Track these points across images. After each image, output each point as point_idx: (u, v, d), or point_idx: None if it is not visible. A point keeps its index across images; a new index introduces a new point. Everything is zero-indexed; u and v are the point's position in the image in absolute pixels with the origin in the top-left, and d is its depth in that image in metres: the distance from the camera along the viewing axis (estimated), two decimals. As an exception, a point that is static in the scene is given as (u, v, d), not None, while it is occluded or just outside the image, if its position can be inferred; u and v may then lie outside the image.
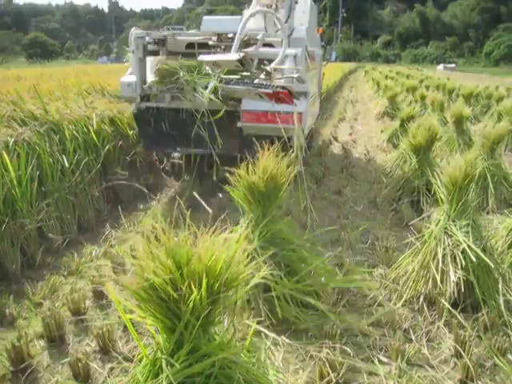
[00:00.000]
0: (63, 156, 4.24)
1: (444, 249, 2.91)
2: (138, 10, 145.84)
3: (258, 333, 2.43)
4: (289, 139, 3.68)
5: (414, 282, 3.02)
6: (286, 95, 3.87)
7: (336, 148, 7.89)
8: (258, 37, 4.46)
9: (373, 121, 11.33)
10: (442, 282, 2.85)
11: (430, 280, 2.91)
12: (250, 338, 1.92)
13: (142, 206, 4.88)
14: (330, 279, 3.05)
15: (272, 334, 2.45)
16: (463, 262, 2.76)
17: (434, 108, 9.52)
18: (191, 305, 1.50)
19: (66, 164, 4.20)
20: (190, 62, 4.43)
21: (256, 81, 4.03)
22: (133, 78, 4.63)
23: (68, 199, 4.16)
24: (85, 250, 3.77)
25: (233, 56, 4.06)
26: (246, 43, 4.49)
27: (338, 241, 3.92)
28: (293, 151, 3.27)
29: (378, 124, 10.70)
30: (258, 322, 2.39)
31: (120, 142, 5.21)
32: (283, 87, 3.88)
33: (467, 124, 7.15)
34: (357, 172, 6.10)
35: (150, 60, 4.85)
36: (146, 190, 4.78)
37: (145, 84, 4.65)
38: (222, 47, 4.62)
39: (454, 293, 2.77)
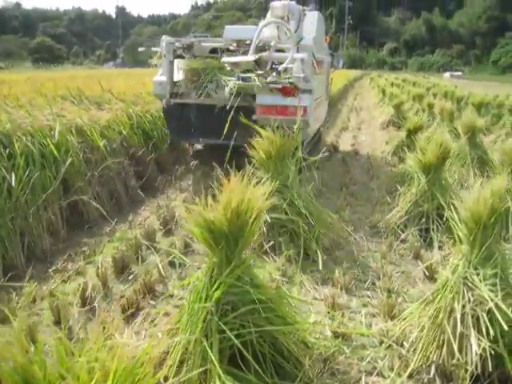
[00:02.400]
0: (12, 173, 3.63)
1: (463, 306, 2.24)
2: (145, 15, 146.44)
3: None
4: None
5: (423, 345, 2.36)
6: (292, 90, 4.85)
7: (336, 161, 7.24)
8: (272, 43, 5.14)
9: (377, 130, 10.68)
10: (460, 349, 2.18)
11: (445, 345, 2.25)
12: None
13: (109, 229, 4.23)
14: (316, 342, 2.39)
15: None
16: (489, 328, 2.09)
17: (443, 117, 8.86)
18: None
19: (13, 182, 3.57)
20: (214, 62, 5.14)
21: (269, 78, 4.84)
22: (163, 78, 5.33)
23: (14, 225, 3.52)
24: (26, 290, 3.13)
25: (250, 57, 4.88)
26: (261, 49, 5.13)
27: (331, 280, 3.26)
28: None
29: (382, 134, 10.04)
30: None
31: (88, 155, 4.60)
32: (291, 83, 4.82)
33: (480, 136, 6.49)
34: (358, 190, 5.44)
35: (177, 62, 5.44)
36: (104, 212, 4.17)
37: (174, 83, 5.33)
38: (241, 52, 5.33)
39: (476, 367, 2.11)
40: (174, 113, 5.40)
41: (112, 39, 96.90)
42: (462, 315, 2.22)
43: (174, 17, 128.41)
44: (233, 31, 5.99)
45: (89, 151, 4.71)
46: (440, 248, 3.73)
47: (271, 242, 3.58)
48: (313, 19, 6.38)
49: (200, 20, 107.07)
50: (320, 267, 3.33)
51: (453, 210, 2.56)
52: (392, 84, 21.36)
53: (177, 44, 5.43)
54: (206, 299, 2.17)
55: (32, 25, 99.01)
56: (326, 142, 8.56)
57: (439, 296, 2.43)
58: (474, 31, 72.06)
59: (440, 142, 3.92)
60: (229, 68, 5.00)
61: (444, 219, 3.86)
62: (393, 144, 7.48)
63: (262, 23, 5.71)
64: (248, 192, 2.13)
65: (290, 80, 4.83)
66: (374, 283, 3.28)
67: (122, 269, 3.40)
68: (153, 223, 4.32)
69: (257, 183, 2.25)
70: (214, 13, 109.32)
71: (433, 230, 3.87)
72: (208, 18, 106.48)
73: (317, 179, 4.82)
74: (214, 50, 5.49)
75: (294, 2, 6.17)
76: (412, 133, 7.02)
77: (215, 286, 2.14)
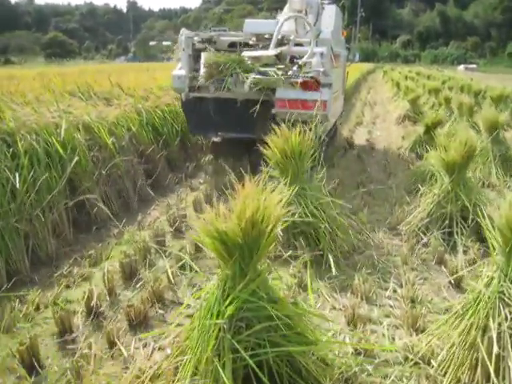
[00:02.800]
0: (16, 173, 3.48)
1: (499, 324, 2.04)
2: (156, 9, 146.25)
3: None
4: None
5: (454, 364, 2.16)
6: (313, 84, 4.82)
7: (352, 157, 7.02)
8: (291, 37, 5.19)
9: (393, 125, 10.41)
10: (496, 372, 1.99)
11: (479, 367, 2.06)
12: None
13: (117, 231, 4.07)
14: (336, 359, 2.21)
15: None
16: (531, 350, 1.90)
17: (462, 112, 8.59)
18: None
19: (17, 183, 3.43)
20: (234, 56, 5.05)
21: (289, 72, 4.89)
22: (182, 72, 5.36)
23: (18, 227, 3.37)
24: (30, 297, 2.99)
25: (272, 52, 4.94)
26: (280, 43, 5.20)
27: (350, 287, 3.07)
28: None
29: (398, 129, 9.77)
30: None
31: (96, 153, 4.44)
32: (311, 77, 4.81)
33: (502, 132, 6.22)
34: (375, 189, 5.22)
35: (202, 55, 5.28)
36: (111, 213, 4.02)
37: (193, 77, 5.33)
38: (260, 46, 5.38)
39: (516, 392, 1.91)
40: (192, 106, 5.41)
41: (123, 34, 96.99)
42: (499, 334, 2.02)
43: (185, 11, 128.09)
44: (252, 25, 6.01)
45: (96, 149, 4.56)
46: (465, 253, 3.52)
47: (287, 246, 3.40)
48: (331, 13, 6.35)
49: (211, 14, 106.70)
50: (333, 273, 3.15)
51: (485, 215, 2.35)
52: (406, 77, 20.96)
53: (196, 38, 5.46)
54: (218, 315, 2.00)
55: (44, 20, 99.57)
56: (341, 137, 8.33)
57: (470, 311, 2.23)
58: (489, 22, 70.73)
59: (465, 140, 3.69)
60: (249, 62, 4.99)
61: (469, 221, 3.65)
62: (410, 140, 7.23)
63: (282, 17, 5.76)
64: (264, 199, 1.95)
65: (311, 74, 4.82)
66: (395, 291, 3.08)
67: (129, 274, 3.24)
68: (162, 224, 4.17)
69: (273, 189, 2.06)
70: (225, 6, 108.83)
71: (457, 233, 3.65)
72: (219, 11, 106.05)
73: (333, 177, 4.63)
74: (232, 44, 5.51)
75: None
76: (430, 128, 6.78)
77: (228, 301, 1.96)
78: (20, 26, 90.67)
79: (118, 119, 5.15)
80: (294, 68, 4.93)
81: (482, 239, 3.61)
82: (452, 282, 3.16)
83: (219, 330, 1.98)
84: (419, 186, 4.81)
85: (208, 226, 1.87)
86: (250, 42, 5.45)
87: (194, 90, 5.35)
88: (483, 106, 11.16)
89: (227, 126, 5.23)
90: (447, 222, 3.72)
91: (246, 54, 5.04)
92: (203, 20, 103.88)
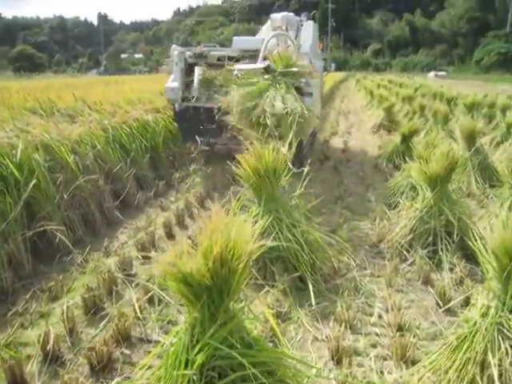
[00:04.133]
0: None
1: (500, 360, 1.84)
2: (127, 22, 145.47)
3: None
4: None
5: (451, 406, 1.96)
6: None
7: (328, 169, 6.85)
8: (274, 52, 5.44)
9: (367, 134, 10.33)
10: (500, 415, 1.79)
11: (480, 409, 1.85)
12: None
13: (81, 259, 3.76)
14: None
15: None
16: (538, 391, 1.70)
17: (437, 120, 8.54)
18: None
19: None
20: (224, 71, 5.51)
21: None
22: (175, 84, 5.86)
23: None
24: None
25: (260, 65, 5.27)
26: (265, 57, 5.49)
27: (333, 314, 2.85)
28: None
29: (373, 138, 9.69)
30: None
31: (57, 175, 4.14)
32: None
33: (480, 140, 6.14)
34: (354, 203, 5.05)
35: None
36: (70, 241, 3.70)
37: (184, 89, 5.90)
38: (246, 60, 5.81)
39: None
40: (185, 116, 5.93)
41: (94, 47, 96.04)
42: (501, 373, 1.82)
43: (156, 23, 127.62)
44: (239, 42, 6.57)
45: (58, 170, 4.26)
46: (451, 270, 3.35)
47: (263, 273, 3.17)
48: (309, 28, 6.96)
49: (183, 25, 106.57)
50: (313, 303, 2.92)
51: (475, 234, 2.17)
52: (379, 85, 21.11)
53: (188, 53, 6.03)
54: (186, 364, 1.75)
55: (12, 34, 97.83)
56: (317, 147, 8.18)
57: (466, 343, 2.04)
58: (455, 32, 72.43)
59: (446, 152, 3.54)
60: (239, 74, 5.36)
61: (454, 237, 3.49)
62: (386, 150, 7.11)
63: (262, 31, 6.78)
64: (234, 231, 1.71)
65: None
66: (381, 316, 2.87)
67: (92, 310, 2.95)
68: (130, 250, 3.88)
69: (245, 218, 1.83)
70: (196, 18, 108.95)
71: (441, 249, 3.47)
72: (191, 23, 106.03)
73: (310, 192, 4.42)
74: (221, 58, 6.05)
75: (292, 14, 6.85)
76: (407, 137, 6.67)
77: (197, 349, 1.71)
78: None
79: (81, 137, 4.85)
80: None
81: (467, 256, 3.45)
82: (440, 303, 2.97)
83: (188, 381, 1.73)
84: (399, 199, 4.67)
85: (170, 268, 1.62)
86: (238, 57, 5.94)
87: (185, 100, 5.86)
88: (456, 112, 11.22)
89: (218, 134, 5.66)
90: (431, 238, 3.55)
91: (238, 66, 5.46)
92: (175, 32, 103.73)
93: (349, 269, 3.41)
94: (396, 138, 7.22)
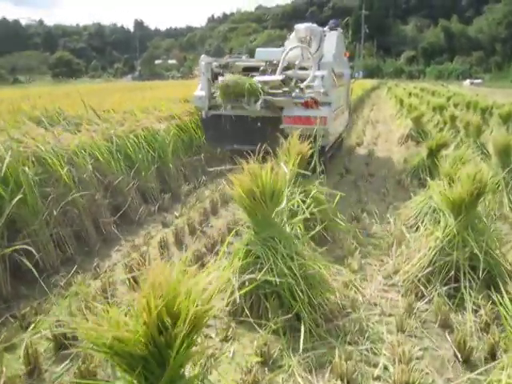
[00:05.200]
0: None
1: None
2: (162, 28, 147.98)
3: None
4: (314, 138, 4.44)
5: None
6: (313, 103, 5.71)
7: (348, 184, 6.40)
8: (296, 62, 6.20)
9: (394, 146, 9.82)
10: None
11: None
12: None
13: (64, 282, 3.47)
14: None
15: None
16: None
17: (468, 132, 7.99)
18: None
19: None
20: (246, 80, 5.75)
21: (293, 94, 5.75)
22: (202, 93, 6.22)
23: None
24: None
25: (278, 77, 5.85)
26: (287, 67, 6.14)
27: (330, 364, 2.44)
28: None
29: (400, 150, 9.19)
30: None
31: (47, 189, 3.88)
32: (311, 98, 5.69)
33: (514, 156, 5.60)
34: (371, 225, 4.61)
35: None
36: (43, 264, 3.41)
37: (211, 97, 6.15)
38: (269, 70, 6.26)
39: None
40: (211, 123, 6.28)
41: (130, 53, 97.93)
42: None
43: (190, 29, 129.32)
44: (263, 53, 7.12)
45: (51, 184, 4.01)
46: (475, 313, 2.89)
47: (256, 309, 2.79)
48: (333, 38, 7.08)
49: (216, 32, 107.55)
50: (300, 349, 2.52)
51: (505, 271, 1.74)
52: (410, 94, 20.44)
53: (214, 63, 6.36)
54: None
55: (53, 40, 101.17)
56: (337, 162, 7.75)
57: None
58: (493, 37, 70.37)
59: (474, 174, 3.09)
60: (259, 85, 5.72)
61: (479, 272, 3.03)
62: (412, 163, 6.63)
63: (288, 45, 6.91)
64: (184, 284, 1.35)
65: (311, 95, 5.68)
66: (386, 368, 2.45)
67: (60, 345, 2.64)
68: (118, 273, 3.58)
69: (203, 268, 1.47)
70: (230, 24, 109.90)
71: (465, 287, 3.01)
72: (224, 29, 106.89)
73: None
74: (246, 69, 6.38)
75: (315, 25, 7.12)
76: (434, 152, 6.19)
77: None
78: (29, 46, 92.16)
79: (81, 147, 4.60)
80: (297, 90, 5.73)
81: (495, 296, 2.98)
82: (458, 355, 2.53)
83: None
84: (419, 223, 4.22)
85: (98, 333, 1.28)
86: (261, 68, 6.31)
87: (212, 108, 6.17)
88: (491, 123, 10.57)
89: (241, 139, 5.87)
90: (453, 272, 3.09)
91: (257, 78, 5.82)
92: (208, 39, 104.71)
93: (356, 306, 2.99)
94: (423, 152, 6.73)
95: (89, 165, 4.50)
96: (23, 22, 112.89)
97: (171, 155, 6.04)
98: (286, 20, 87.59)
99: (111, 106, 7.15)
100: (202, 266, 3.70)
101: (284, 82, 5.85)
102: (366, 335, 2.71)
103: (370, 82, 34.03)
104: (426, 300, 3.04)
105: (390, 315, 2.97)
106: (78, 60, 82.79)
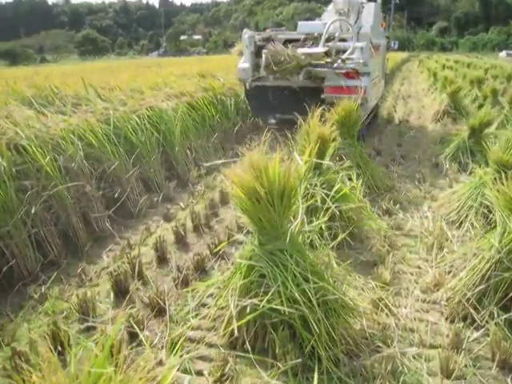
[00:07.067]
0: None
1: None
2: (187, 3, 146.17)
3: None
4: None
5: None
6: (354, 73, 5.88)
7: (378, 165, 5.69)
8: (336, 35, 6.26)
9: (429, 123, 8.96)
10: None
11: None
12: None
13: (39, 293, 2.95)
14: None
15: None
16: None
17: (515, 108, 7.11)
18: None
19: None
20: (291, 51, 5.88)
21: (335, 65, 5.90)
22: (246, 65, 6.42)
23: None
24: None
25: (321, 49, 6.03)
26: (327, 39, 6.23)
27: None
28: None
29: (435, 128, 8.34)
30: None
31: (25, 182, 3.35)
32: (352, 68, 5.86)
33: None
34: (405, 220, 3.93)
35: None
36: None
37: (255, 70, 6.41)
38: (311, 43, 6.42)
39: None
40: (255, 94, 6.59)
41: (155, 29, 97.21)
42: None
43: (216, 4, 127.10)
44: (304, 26, 7.23)
45: (32, 176, 3.48)
46: (545, 348, 2.23)
47: (261, 340, 2.21)
48: (370, 9, 7.34)
49: (241, 6, 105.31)
50: None
51: None
52: (444, 66, 19.20)
53: (257, 37, 6.56)
54: None
55: (79, 18, 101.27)
56: (366, 142, 7.01)
57: None
58: (534, 5, 66.35)
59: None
60: (302, 57, 5.85)
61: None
62: (450, 145, 5.85)
63: (325, 16, 7.52)
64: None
65: (352, 65, 5.81)
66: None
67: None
68: (106, 281, 3.04)
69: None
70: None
71: (529, 312, 2.35)
72: (249, 3, 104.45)
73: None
74: (287, 41, 6.46)
75: None
76: (477, 131, 5.42)
77: None
78: (56, 25, 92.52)
79: (71, 132, 4.04)
80: (339, 61, 5.85)
81: None
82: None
83: None
84: (465, 217, 3.53)
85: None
86: (302, 40, 6.46)
87: (256, 79, 6.40)
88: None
89: (284, 109, 6.07)
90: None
91: (301, 50, 5.96)
92: (234, 13, 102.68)
93: (387, 336, 2.36)
94: (463, 131, 5.94)
95: (80, 152, 3.94)
96: (49, 1, 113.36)
97: (179, 137, 5.44)
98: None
99: (119, 83, 6.58)
100: (204, 271, 3.15)
101: (327, 54, 6.04)
102: (401, 379, 2.09)
103: (400, 55, 32.42)
104: (480, 330, 2.38)
105: (432, 347, 2.33)
106: (104, 38, 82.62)
